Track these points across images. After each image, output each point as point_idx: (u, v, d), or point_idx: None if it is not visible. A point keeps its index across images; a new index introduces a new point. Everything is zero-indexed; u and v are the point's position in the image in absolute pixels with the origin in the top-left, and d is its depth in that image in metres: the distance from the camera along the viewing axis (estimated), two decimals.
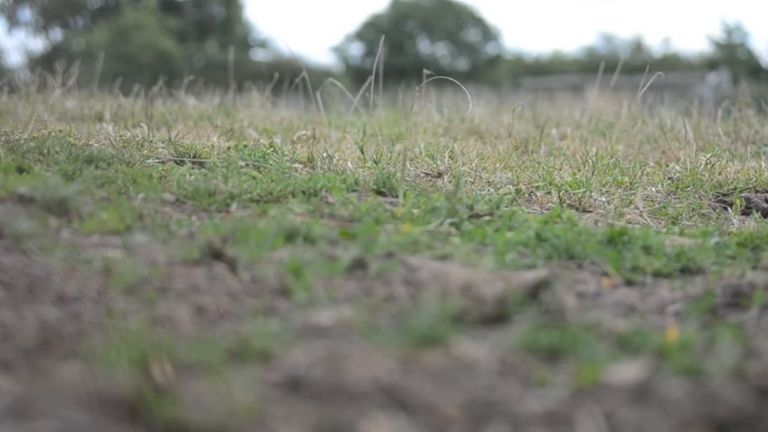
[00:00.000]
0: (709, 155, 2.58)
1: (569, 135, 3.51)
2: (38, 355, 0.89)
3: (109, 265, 1.19)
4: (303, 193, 1.79)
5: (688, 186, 2.22)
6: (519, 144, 3.01)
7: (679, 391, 0.81)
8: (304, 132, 3.03)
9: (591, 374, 0.84)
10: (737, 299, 1.18)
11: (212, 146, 2.38)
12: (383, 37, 3.26)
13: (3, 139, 2.23)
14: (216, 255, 1.27)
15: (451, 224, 1.59)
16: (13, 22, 24.93)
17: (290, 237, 1.41)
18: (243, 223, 1.42)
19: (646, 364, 0.88)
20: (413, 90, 2.89)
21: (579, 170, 2.37)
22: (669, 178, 2.35)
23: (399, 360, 0.89)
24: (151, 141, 2.40)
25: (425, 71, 2.56)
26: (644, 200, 2.00)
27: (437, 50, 30.32)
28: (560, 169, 2.38)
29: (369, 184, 1.92)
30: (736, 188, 2.18)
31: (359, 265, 1.27)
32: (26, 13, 25.15)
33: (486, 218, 1.65)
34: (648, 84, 3.02)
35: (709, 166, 2.44)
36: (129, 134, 2.55)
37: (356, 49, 29.60)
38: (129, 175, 1.86)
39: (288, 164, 2.13)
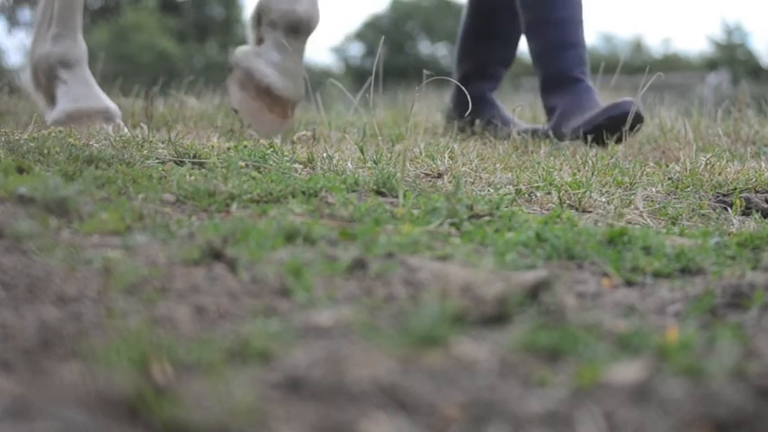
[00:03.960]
0: (710, 155, 2.58)
1: None
2: (38, 355, 0.89)
3: (109, 265, 1.19)
4: (303, 193, 1.79)
5: (688, 187, 2.22)
6: (519, 144, 3.01)
7: (679, 392, 0.81)
8: (304, 133, 3.03)
9: (591, 374, 0.84)
10: (737, 299, 1.18)
11: (212, 146, 2.38)
12: (383, 37, 3.26)
13: (3, 139, 2.23)
14: (216, 255, 1.27)
15: (451, 224, 1.59)
16: (13, 23, 24.94)
17: (290, 237, 1.41)
18: (243, 223, 1.42)
19: (646, 364, 0.88)
20: (413, 90, 2.89)
21: (579, 170, 2.37)
22: (669, 178, 2.35)
23: (399, 360, 0.89)
24: (151, 142, 2.40)
25: (425, 72, 2.57)
26: (644, 200, 2.00)
27: (437, 51, 30.31)
28: (560, 170, 2.38)
29: (369, 185, 1.92)
30: (736, 188, 2.18)
31: (359, 265, 1.27)
32: (26, 14, 25.16)
33: (486, 218, 1.65)
34: (648, 84, 3.02)
35: (709, 167, 2.44)
36: (129, 134, 2.55)
37: (356, 50, 29.62)
38: (129, 175, 1.86)
39: (288, 164, 2.13)
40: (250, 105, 3.21)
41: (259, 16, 3.26)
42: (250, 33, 3.36)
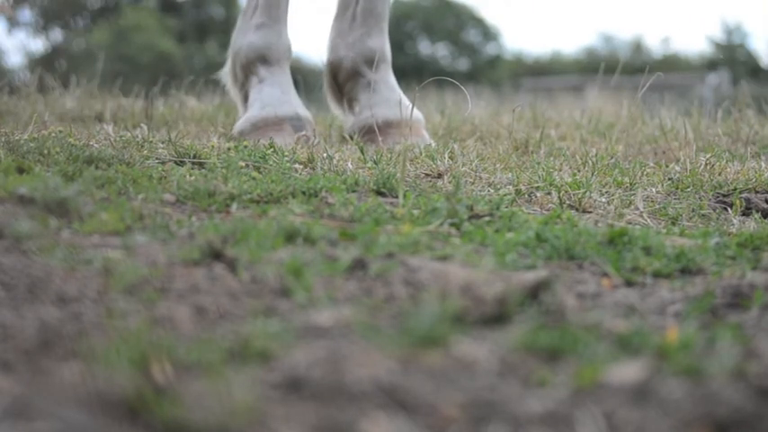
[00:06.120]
0: (710, 155, 2.58)
1: (569, 135, 3.51)
2: (38, 355, 0.89)
3: (109, 265, 1.19)
4: (303, 193, 1.79)
5: (688, 187, 2.22)
6: (519, 145, 3.01)
7: (679, 392, 0.82)
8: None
9: (591, 374, 0.84)
10: (737, 299, 1.18)
11: (212, 146, 2.38)
12: None
13: (3, 139, 2.23)
14: (216, 255, 1.27)
15: (451, 225, 1.59)
16: (13, 23, 24.96)
17: (290, 237, 1.41)
18: (243, 224, 1.42)
19: (646, 364, 0.88)
20: (413, 90, 2.89)
21: (579, 171, 2.37)
22: (669, 179, 2.35)
23: (399, 360, 0.89)
24: (151, 142, 2.40)
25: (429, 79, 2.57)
26: (644, 200, 2.00)
27: (437, 51, 30.32)
28: (560, 170, 2.38)
29: (369, 185, 1.92)
30: (736, 189, 2.18)
31: (359, 265, 1.27)
32: (26, 14, 25.19)
33: (487, 218, 1.65)
34: (648, 84, 3.02)
35: (709, 167, 2.44)
36: (129, 134, 2.56)
37: None
38: (130, 175, 1.86)
39: (288, 164, 2.13)
40: None
41: None
42: None
